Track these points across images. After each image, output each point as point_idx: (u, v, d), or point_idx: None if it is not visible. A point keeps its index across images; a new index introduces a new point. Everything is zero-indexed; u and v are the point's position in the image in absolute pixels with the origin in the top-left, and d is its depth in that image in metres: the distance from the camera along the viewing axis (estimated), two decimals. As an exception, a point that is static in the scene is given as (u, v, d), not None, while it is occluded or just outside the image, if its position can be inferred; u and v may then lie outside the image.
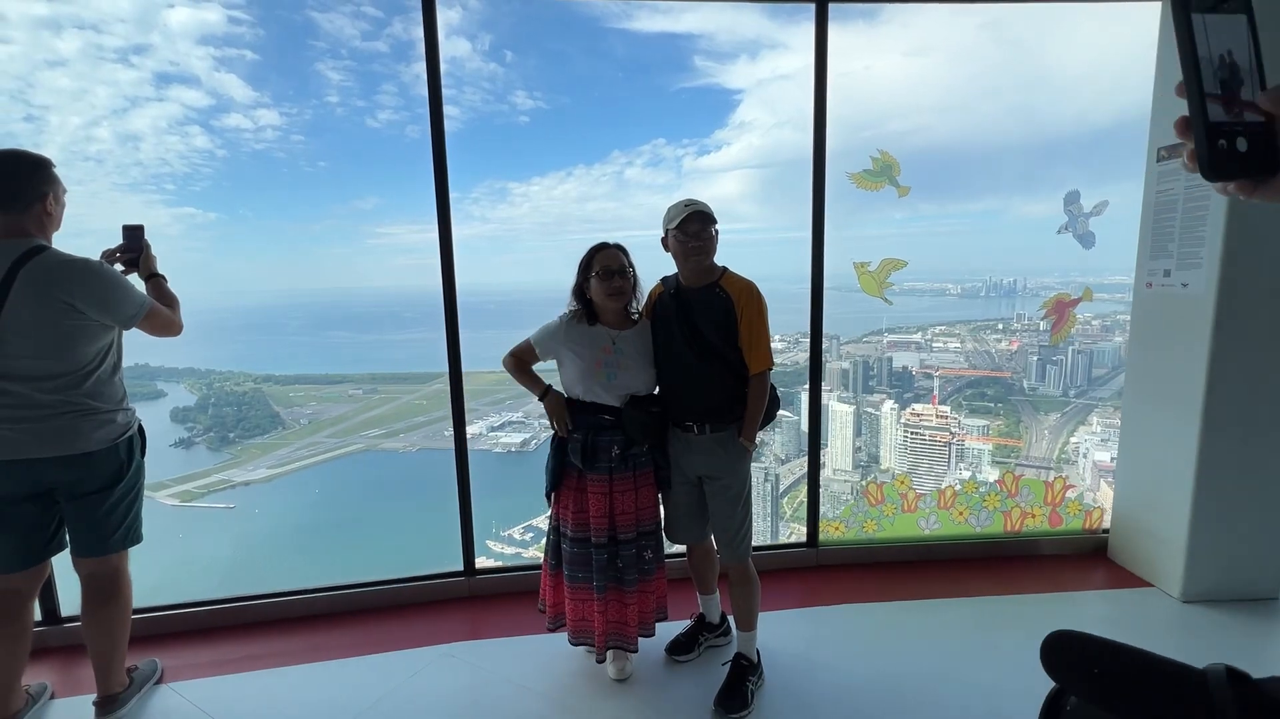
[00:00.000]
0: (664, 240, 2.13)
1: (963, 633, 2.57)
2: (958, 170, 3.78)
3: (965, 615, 2.71)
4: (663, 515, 2.29)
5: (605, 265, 2.06)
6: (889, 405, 4.64)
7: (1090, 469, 4.07)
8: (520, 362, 2.20)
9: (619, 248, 2.12)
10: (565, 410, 2.14)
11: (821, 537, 3.20)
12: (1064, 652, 0.50)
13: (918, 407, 4.54)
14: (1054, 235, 3.25)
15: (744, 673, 2.18)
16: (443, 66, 2.62)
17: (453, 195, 2.66)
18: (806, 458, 3.16)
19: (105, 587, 1.99)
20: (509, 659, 2.40)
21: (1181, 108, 0.49)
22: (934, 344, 4.68)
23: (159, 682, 2.25)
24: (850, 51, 2.81)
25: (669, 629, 2.39)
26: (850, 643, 2.52)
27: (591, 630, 2.19)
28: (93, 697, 2.04)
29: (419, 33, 2.55)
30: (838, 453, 4.77)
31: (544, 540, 2.32)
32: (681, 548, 2.39)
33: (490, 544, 4.67)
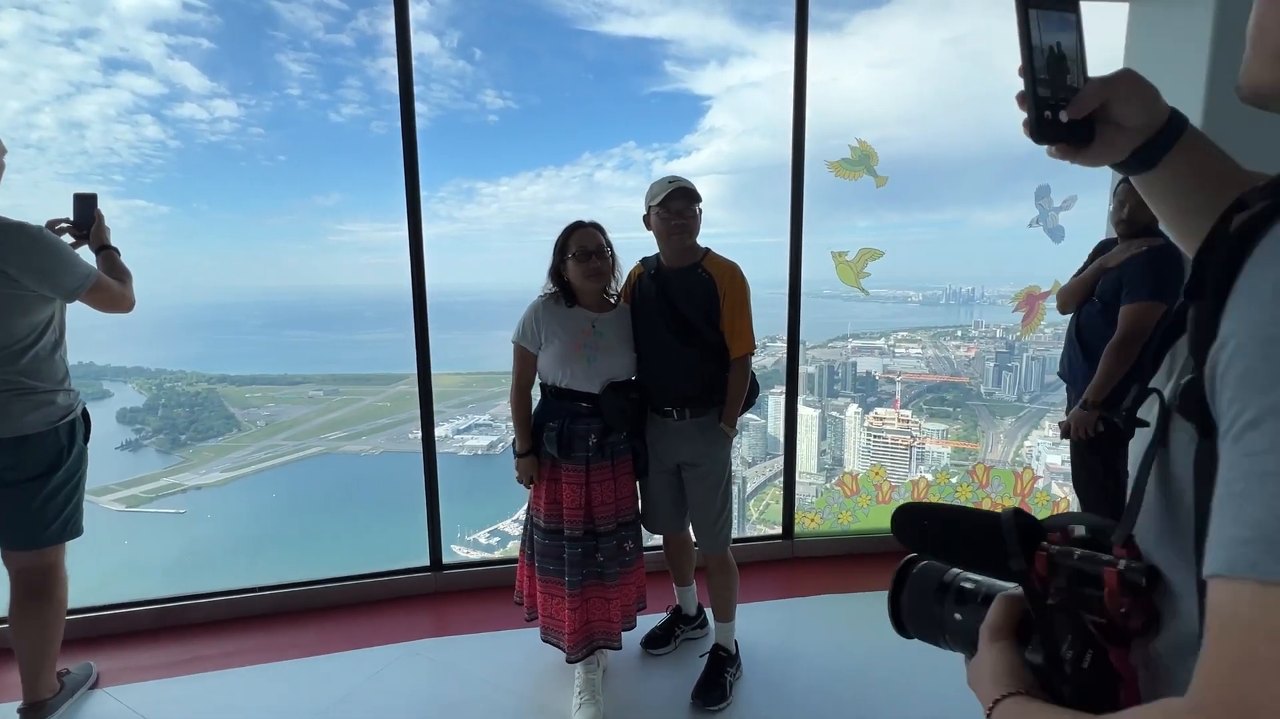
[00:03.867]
0: (646, 218, 2.07)
1: None
2: (922, 181, 3.89)
3: None
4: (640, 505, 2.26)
5: (582, 245, 1.98)
6: (853, 409, 4.73)
7: (1044, 472, 4.22)
8: (524, 382, 2.10)
9: (596, 226, 2.04)
10: (536, 472, 2.09)
11: (797, 528, 3.22)
12: (903, 516, 0.59)
13: (880, 410, 4.64)
14: (1011, 243, 3.36)
15: (722, 664, 2.16)
16: (412, 63, 2.56)
17: (420, 193, 2.60)
18: (775, 459, 3.20)
19: (37, 583, 1.85)
20: (478, 655, 2.34)
21: None
22: (896, 349, 4.80)
23: (94, 686, 2.12)
24: (818, 62, 2.86)
25: (644, 622, 2.36)
26: (827, 633, 2.53)
27: (561, 630, 2.10)
28: (18, 704, 1.90)
29: (385, 27, 2.49)
30: (803, 456, 4.82)
31: (521, 533, 2.27)
32: (656, 538, 2.35)
33: (455, 549, 4.59)
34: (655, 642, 2.36)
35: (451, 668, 2.27)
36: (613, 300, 2.12)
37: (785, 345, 3.02)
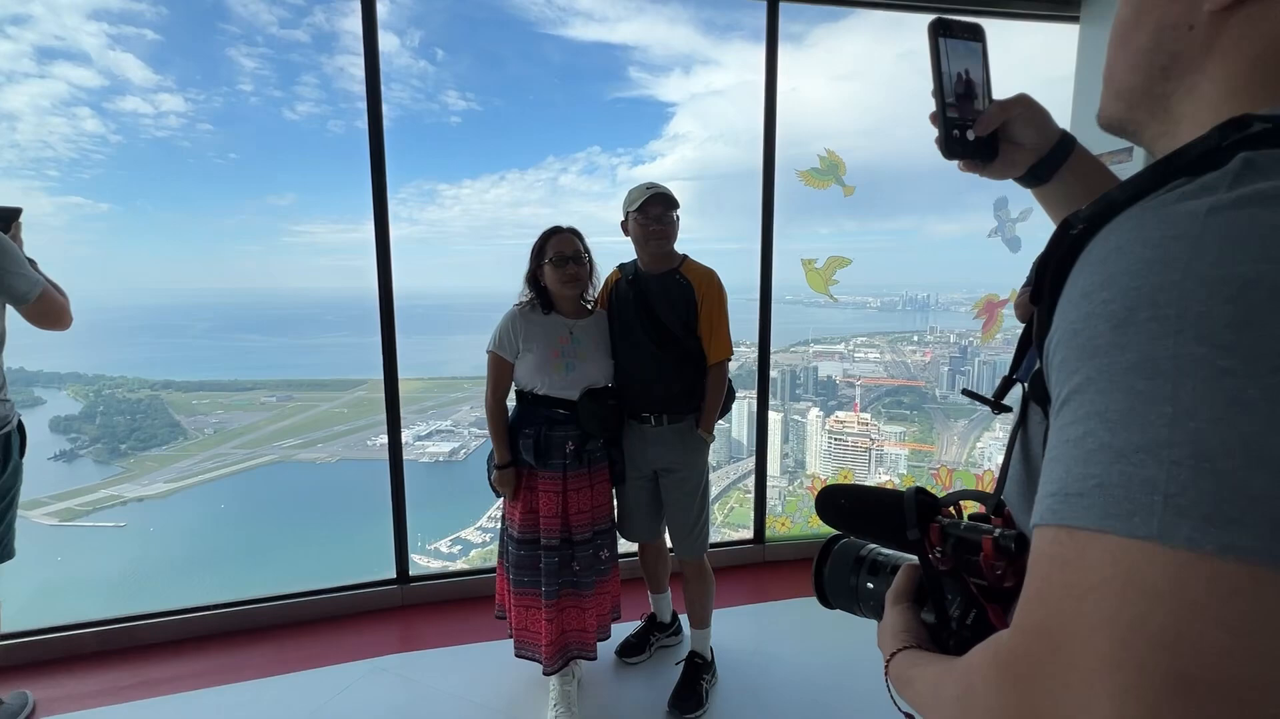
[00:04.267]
0: (623, 224, 2.07)
1: None
2: (879, 190, 4.00)
3: None
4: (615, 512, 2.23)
5: (559, 251, 1.96)
6: (814, 413, 4.82)
7: (995, 471, 4.37)
8: (500, 393, 2.05)
9: (573, 232, 2.02)
10: (514, 485, 2.04)
11: (768, 532, 3.25)
12: (825, 497, 0.65)
13: (841, 414, 4.74)
14: (964, 252, 3.49)
15: (698, 671, 2.15)
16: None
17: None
18: (739, 463, 3.24)
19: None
20: (448, 670, 2.27)
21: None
22: (856, 354, 4.91)
23: (30, 717, 2.01)
24: (780, 72, 2.92)
25: (618, 630, 2.34)
26: (801, 636, 2.55)
27: (538, 643, 2.06)
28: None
29: (344, 24, 2.44)
30: (766, 459, 4.90)
31: (497, 544, 2.21)
32: (630, 546, 2.32)
33: (416, 558, 4.49)
34: (630, 650, 2.34)
35: (421, 684, 2.21)
36: (589, 306, 2.10)
37: (755, 351, 3.07)
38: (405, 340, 2.68)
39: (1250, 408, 0.28)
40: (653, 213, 1.97)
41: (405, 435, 2.75)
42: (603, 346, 2.08)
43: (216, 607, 2.53)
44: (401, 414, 2.73)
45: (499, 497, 2.08)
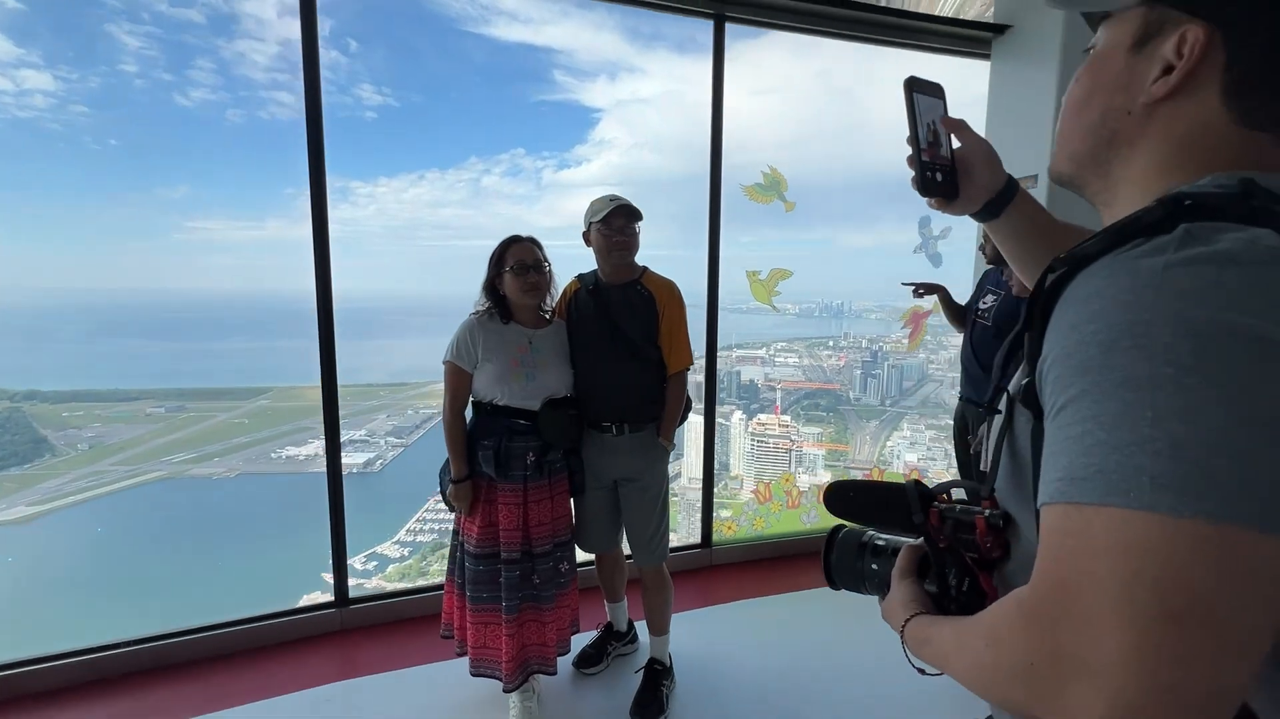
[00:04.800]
0: (585, 235, 2.07)
1: (847, 616, 2.76)
2: (796, 202, 4.17)
3: (848, 600, 2.96)
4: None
5: (520, 259, 1.94)
6: (737, 416, 4.95)
7: (903, 469, 4.66)
8: (459, 404, 1.99)
9: (533, 241, 2.00)
10: (472, 498, 1.99)
11: (715, 537, 3.30)
12: (835, 491, 0.76)
13: (763, 417, 4.90)
14: (874, 263, 3.71)
15: (658, 677, 2.16)
16: (274, 49, 2.36)
17: (286, 191, 2.41)
18: (672, 464, 3.30)
19: None
20: (398, 696, 2.17)
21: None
22: (776, 359, 5.09)
23: None
24: (705, 85, 2.99)
25: (574, 641, 2.31)
26: (752, 636, 2.61)
27: (497, 659, 2.00)
28: None
29: (246, 6, 2.28)
30: (692, 463, 5.00)
31: (447, 561, 2.13)
32: (586, 556, 2.30)
33: (325, 577, 4.22)
34: (587, 661, 2.33)
35: (369, 712, 2.09)
36: (548, 316, 2.09)
37: (703, 359, 3.14)
38: (315, 345, 2.53)
39: (1207, 411, 0.39)
40: (616, 224, 1.99)
41: (315, 447, 2.58)
42: (562, 356, 2.07)
43: (121, 645, 2.26)
44: (304, 424, 2.60)
45: (453, 511, 2.02)
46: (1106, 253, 0.48)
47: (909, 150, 0.79)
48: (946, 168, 0.80)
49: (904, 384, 4.98)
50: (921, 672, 0.66)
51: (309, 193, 2.40)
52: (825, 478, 3.88)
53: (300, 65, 2.34)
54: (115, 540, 4.63)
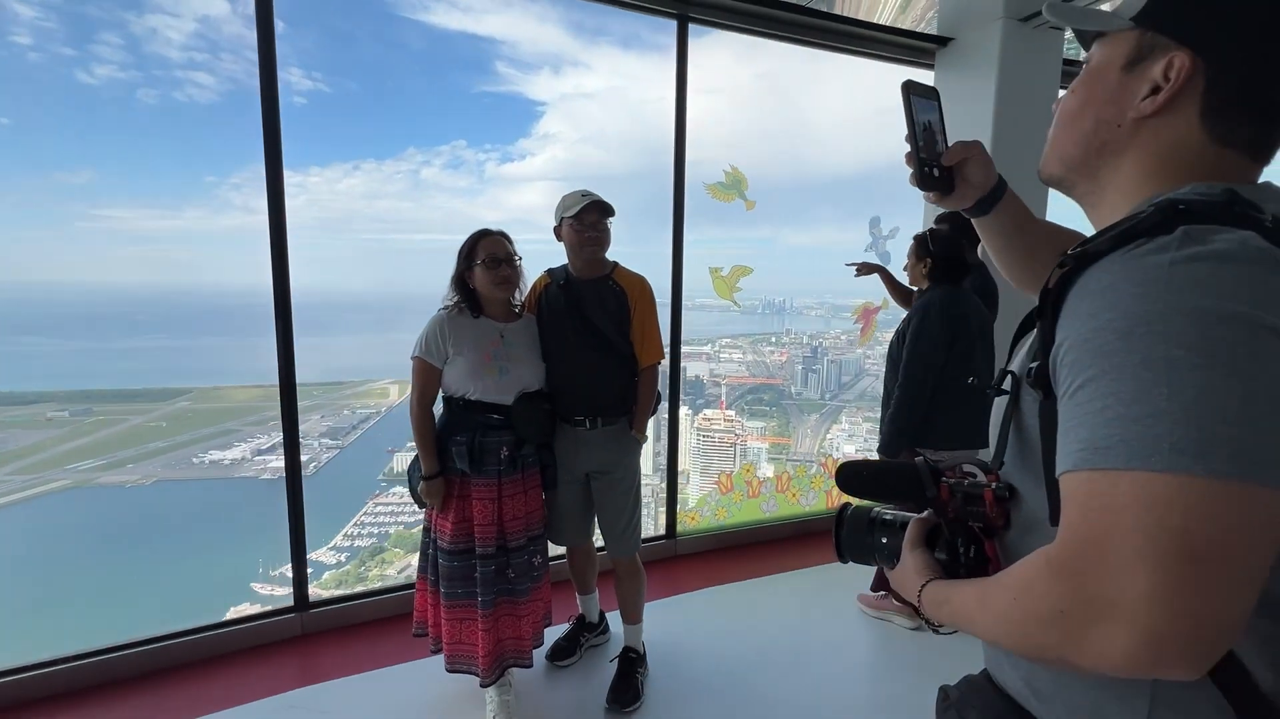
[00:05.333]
0: (556, 229, 2.08)
1: (808, 597, 2.92)
2: (740, 201, 4.25)
3: (808, 582, 3.09)
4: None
5: (491, 253, 1.93)
6: (684, 411, 5.00)
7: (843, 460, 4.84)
8: (427, 400, 1.96)
9: (503, 235, 2.00)
10: (444, 495, 1.97)
11: (679, 527, 3.36)
12: (848, 470, 0.82)
13: (708, 412, 4.97)
14: (814, 262, 3.82)
15: (633, 666, 2.19)
16: (191, 25, 2.21)
17: (207, 179, 2.25)
18: (652, 460, 3.35)
19: None
20: (368, 698, 2.11)
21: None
22: (721, 355, 5.18)
23: None
24: (649, 81, 3.00)
25: (547, 634, 2.33)
26: (721, 621, 2.69)
27: (474, 654, 1.99)
28: None
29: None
30: (648, 454, 5.03)
31: (418, 554, 2.11)
32: (557, 549, 2.32)
33: (255, 587, 3.99)
34: (560, 653, 2.34)
35: (338, 716, 2.04)
36: (518, 310, 2.09)
37: (668, 353, 3.17)
38: (240, 343, 2.39)
39: (1215, 386, 0.46)
40: (588, 219, 1.99)
41: (243, 450, 2.45)
42: (534, 349, 2.06)
43: (60, 662, 2.12)
44: (228, 426, 2.50)
45: (424, 508, 2.01)
46: (1112, 251, 0.54)
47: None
48: (942, 165, 0.86)
49: (842, 378, 5.17)
50: (936, 630, 0.74)
51: (242, 181, 2.25)
52: (769, 471, 3.98)
53: (233, 44, 2.19)
54: (17, 556, 4.23)
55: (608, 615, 2.55)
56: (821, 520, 3.86)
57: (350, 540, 4.49)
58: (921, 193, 0.87)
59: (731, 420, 4.91)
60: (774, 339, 5.16)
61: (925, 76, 3.58)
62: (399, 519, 4.39)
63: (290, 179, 2.36)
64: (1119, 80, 0.63)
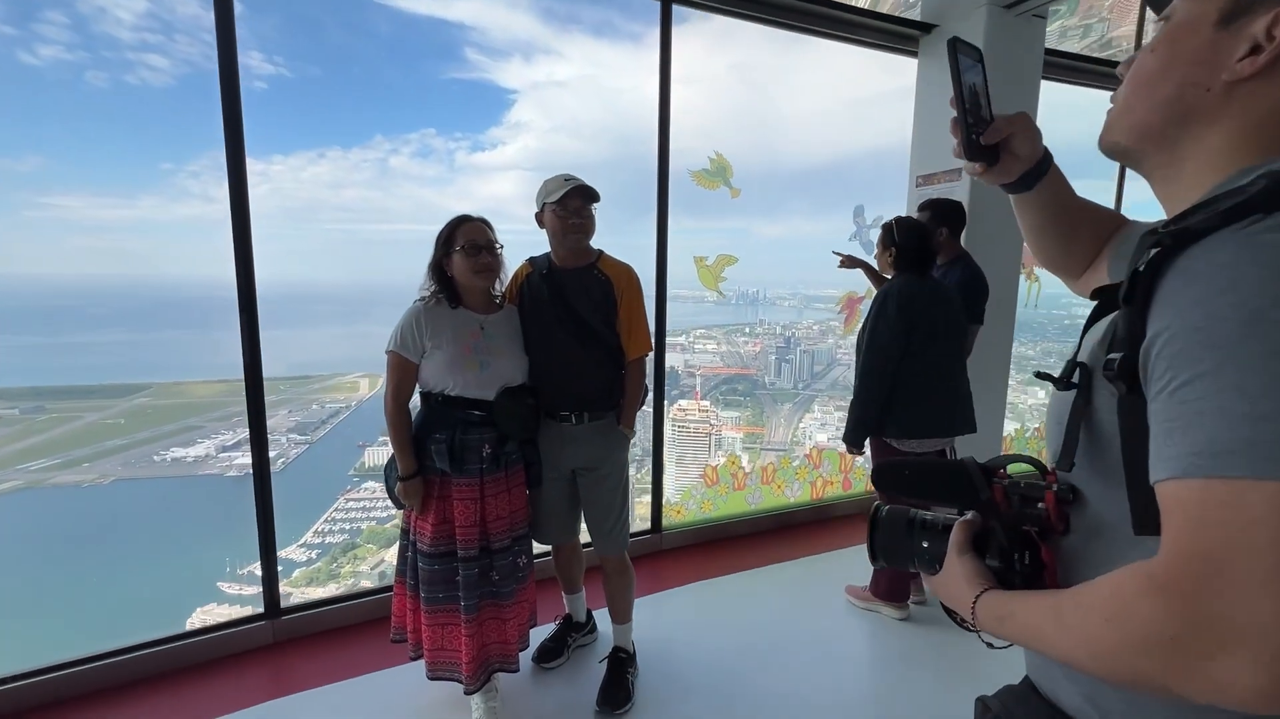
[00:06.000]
0: (538, 216, 1.99)
1: (796, 590, 2.91)
2: (712, 191, 4.25)
3: (795, 575, 3.09)
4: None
5: (471, 239, 1.84)
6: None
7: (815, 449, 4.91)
8: (403, 397, 1.86)
9: (484, 221, 1.91)
10: (423, 495, 1.88)
11: (665, 521, 3.34)
12: (887, 470, 0.77)
13: (683, 403, 4.99)
14: (786, 253, 3.84)
15: (623, 666, 2.15)
16: (143, 5, 2.12)
17: (163, 166, 2.17)
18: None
19: None
20: (346, 709, 2.04)
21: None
22: (696, 345, 5.20)
23: None
24: (621, 70, 2.97)
25: (532, 635, 2.26)
26: (708, 616, 2.68)
27: (457, 661, 1.91)
28: None
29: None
30: (663, 451, 5.02)
31: (397, 556, 2.04)
32: (541, 548, 2.27)
33: (223, 586, 3.89)
34: (548, 654, 2.29)
35: None
36: (498, 300, 2.01)
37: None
38: (202, 336, 2.32)
39: None
40: (572, 205, 1.91)
41: (207, 447, 2.38)
42: (516, 342, 1.97)
43: (9, 680, 2.01)
44: (192, 422, 2.43)
45: (401, 509, 1.94)
46: (1218, 229, 0.47)
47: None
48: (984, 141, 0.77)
49: (814, 368, 5.23)
50: (990, 645, 0.67)
51: (200, 169, 2.17)
52: (744, 460, 4.01)
53: (187, 24, 2.10)
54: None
55: (594, 614, 2.51)
56: (806, 511, 3.88)
57: (321, 538, 4.40)
58: (964, 166, 0.80)
59: (706, 411, 4.95)
60: (748, 330, 5.20)
61: (908, 66, 3.60)
62: (371, 515, 4.32)
63: (253, 167, 2.28)
64: (1211, 38, 0.55)
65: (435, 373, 1.86)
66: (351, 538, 4.32)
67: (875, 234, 4.05)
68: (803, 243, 4.15)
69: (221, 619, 2.45)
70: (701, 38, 3.17)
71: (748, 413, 5.18)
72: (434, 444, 1.85)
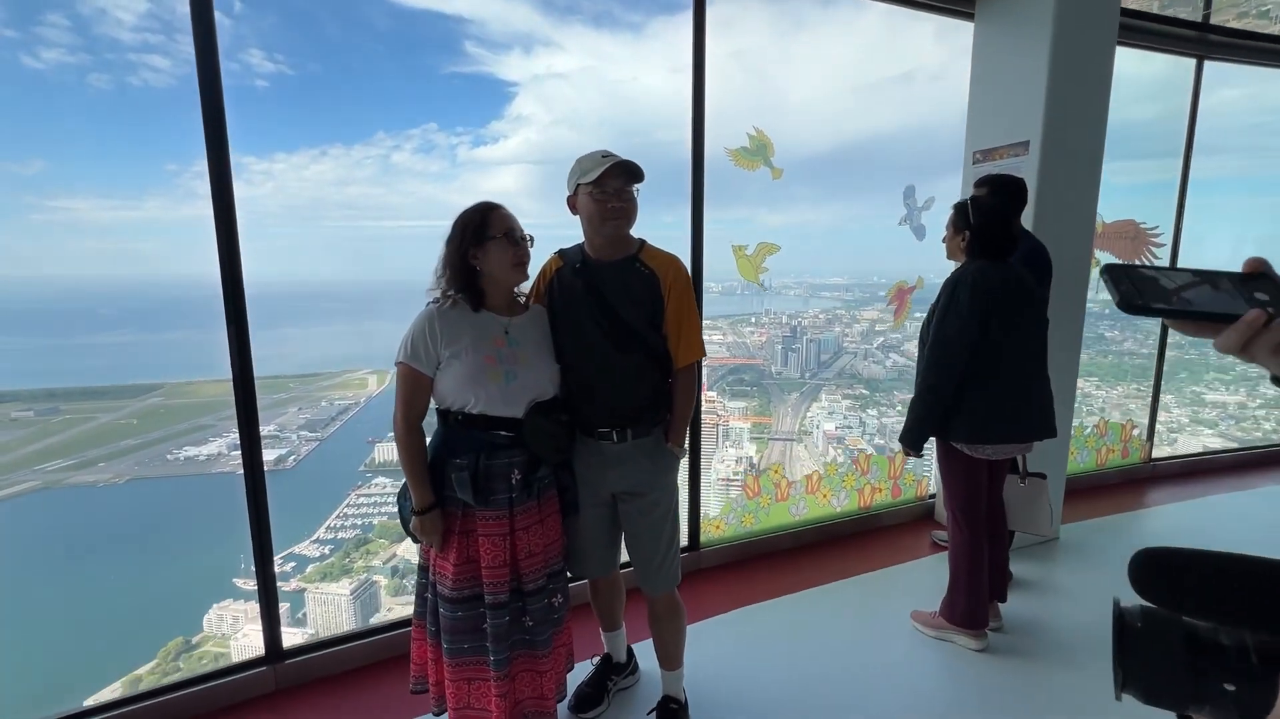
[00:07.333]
0: (570, 200, 1.73)
1: (855, 616, 2.58)
2: (712, 182, 4.23)
3: (853, 596, 2.78)
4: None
5: (510, 227, 1.59)
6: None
7: (822, 438, 4.91)
8: (415, 416, 1.58)
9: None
10: (443, 531, 1.62)
11: (703, 537, 3.09)
12: (1152, 566, 0.49)
13: (690, 393, 5.01)
14: (791, 241, 3.82)
15: (674, 717, 1.90)
16: (144, 6, 2.13)
17: (168, 167, 2.18)
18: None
19: None
20: None
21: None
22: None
23: None
24: (621, 60, 2.96)
25: (569, 678, 2.00)
26: (759, 649, 2.37)
27: None
28: None
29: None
30: (700, 460, 5.03)
31: (414, 600, 1.77)
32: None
33: (237, 582, 3.95)
34: (586, 703, 2.01)
35: None
36: (523, 301, 1.74)
37: None
38: (211, 335, 2.34)
39: None
40: (612, 186, 1.63)
41: (219, 445, 2.40)
42: (546, 349, 1.70)
43: None
44: (202, 422, 2.47)
45: (417, 542, 1.64)
46: None
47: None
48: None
49: (821, 357, 5.23)
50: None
51: (205, 169, 2.17)
52: (750, 450, 4.01)
53: (187, 24, 2.10)
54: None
55: (636, 651, 2.24)
56: (854, 522, 3.58)
57: (333, 533, 4.46)
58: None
59: (713, 401, 4.95)
60: (753, 319, 5.20)
61: (964, 29, 3.27)
62: (382, 510, 4.37)
63: (256, 166, 2.30)
64: None
65: (454, 387, 1.59)
66: (364, 533, 4.37)
67: (927, 216, 3.79)
68: (805, 230, 4.12)
69: (234, 614, 2.39)
70: (743, 7, 3.12)
71: (754, 402, 5.19)
72: (454, 471, 1.59)
